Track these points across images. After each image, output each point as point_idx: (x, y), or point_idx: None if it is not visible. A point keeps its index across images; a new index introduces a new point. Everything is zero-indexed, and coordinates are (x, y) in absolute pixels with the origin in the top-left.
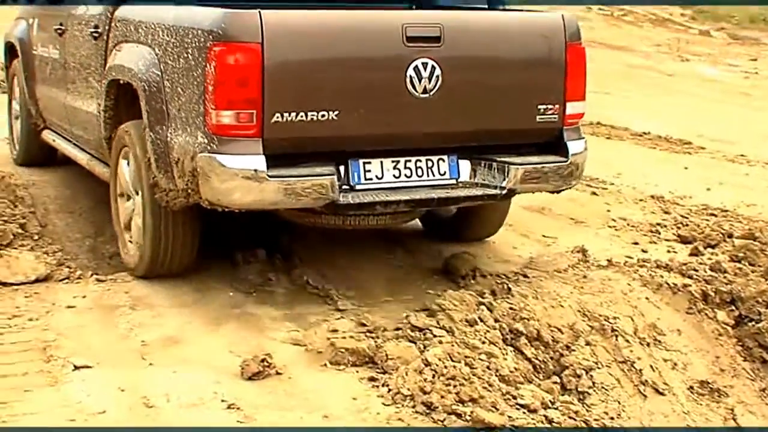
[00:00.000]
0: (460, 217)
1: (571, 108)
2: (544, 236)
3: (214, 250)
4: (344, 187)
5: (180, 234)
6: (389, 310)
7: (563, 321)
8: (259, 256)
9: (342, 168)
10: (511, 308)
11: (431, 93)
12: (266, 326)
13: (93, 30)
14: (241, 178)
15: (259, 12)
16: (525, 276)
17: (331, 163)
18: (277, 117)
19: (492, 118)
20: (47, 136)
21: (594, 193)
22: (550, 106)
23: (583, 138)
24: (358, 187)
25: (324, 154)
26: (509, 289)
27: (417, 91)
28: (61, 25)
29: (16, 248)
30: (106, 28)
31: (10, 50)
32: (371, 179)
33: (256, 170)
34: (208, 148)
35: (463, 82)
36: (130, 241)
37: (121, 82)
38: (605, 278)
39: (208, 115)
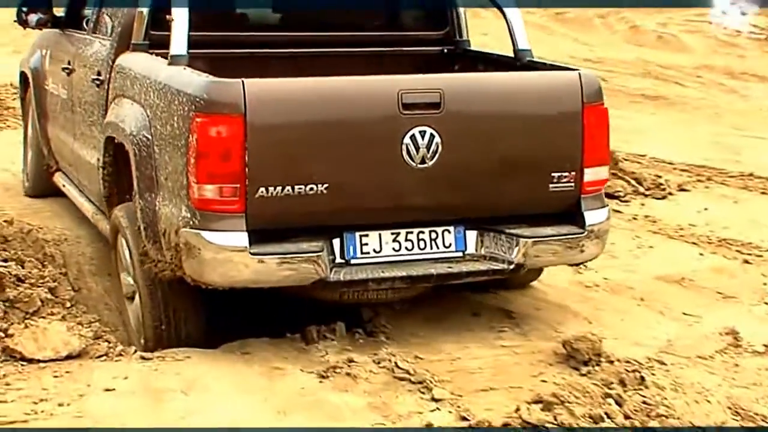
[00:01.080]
0: None
1: (591, 174)
2: (684, 314)
3: (281, 324)
4: (338, 261)
5: (181, 310)
6: (495, 401)
7: (710, 419)
8: (337, 331)
9: (337, 241)
10: (644, 402)
11: (430, 163)
12: (346, 417)
13: (96, 77)
14: (223, 255)
15: (242, 81)
16: (661, 363)
17: (320, 239)
18: (262, 191)
19: (499, 188)
20: (59, 180)
21: (747, 262)
22: (565, 174)
23: (606, 206)
24: (353, 261)
25: (315, 228)
26: (642, 378)
27: (414, 162)
28: (69, 63)
29: (44, 317)
30: (107, 76)
31: (24, 80)
32: (368, 253)
33: (238, 247)
34: (191, 222)
35: (466, 150)
36: (131, 317)
37: (116, 141)
38: (762, 368)
39: (190, 188)
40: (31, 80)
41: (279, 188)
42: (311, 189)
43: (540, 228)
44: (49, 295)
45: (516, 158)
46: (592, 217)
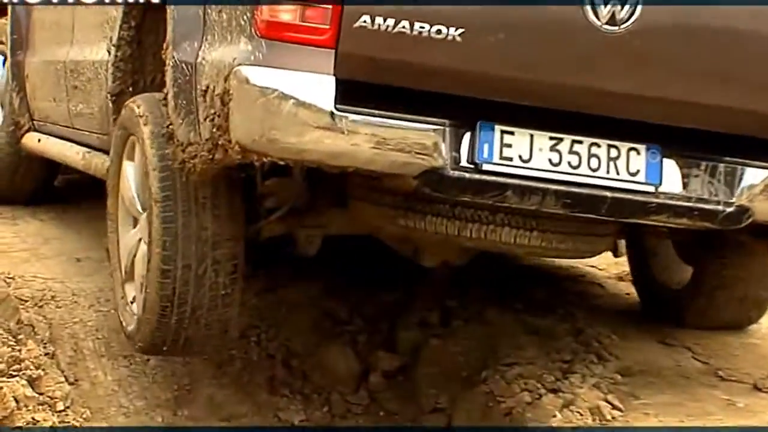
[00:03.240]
0: (698, 288)
1: None
2: None
3: None
4: (464, 164)
5: (208, 271)
6: None
7: None
8: None
9: (466, 137)
10: None
11: (623, 26)
12: None
13: None
14: (293, 107)
15: None
16: None
17: (442, 115)
18: (365, 20)
19: (726, 87)
20: (30, 140)
21: None
22: None
23: None
24: (486, 166)
25: (435, 98)
26: None
27: (599, 20)
28: None
29: (21, 427)
30: None
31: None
32: (510, 159)
33: (317, 100)
34: (251, 57)
35: (681, 14)
36: (131, 298)
37: None
38: None
39: (258, 9)
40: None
41: (390, 21)
42: (438, 32)
43: None
44: (28, 391)
45: (760, 43)
46: None
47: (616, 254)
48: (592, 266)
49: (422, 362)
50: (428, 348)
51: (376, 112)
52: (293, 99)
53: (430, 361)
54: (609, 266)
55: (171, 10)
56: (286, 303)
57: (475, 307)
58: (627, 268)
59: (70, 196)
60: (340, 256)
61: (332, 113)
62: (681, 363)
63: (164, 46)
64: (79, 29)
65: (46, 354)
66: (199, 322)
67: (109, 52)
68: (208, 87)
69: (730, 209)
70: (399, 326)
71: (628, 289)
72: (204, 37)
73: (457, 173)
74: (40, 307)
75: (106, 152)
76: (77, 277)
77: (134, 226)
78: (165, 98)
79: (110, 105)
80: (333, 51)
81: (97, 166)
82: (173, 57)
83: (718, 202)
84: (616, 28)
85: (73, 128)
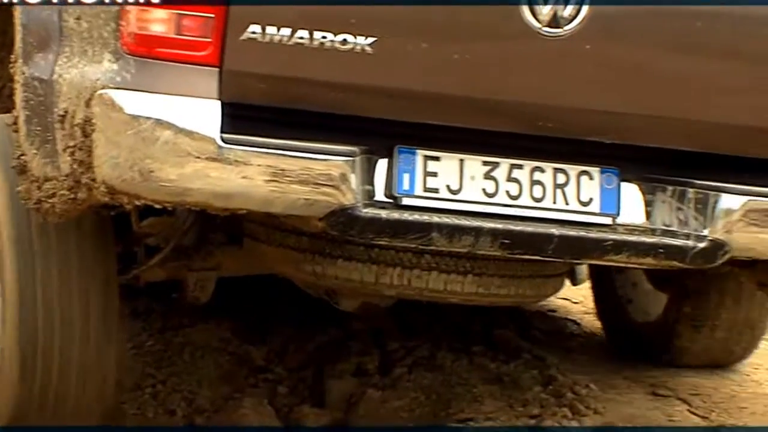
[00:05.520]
0: (674, 321)
1: None
2: None
3: None
4: (379, 198)
5: (77, 321)
6: None
7: None
8: None
9: (382, 164)
10: None
11: (567, 28)
12: None
13: None
14: (170, 138)
15: None
16: None
17: (351, 142)
18: (254, 31)
19: (691, 99)
20: None
21: None
22: None
23: None
24: (406, 201)
25: (342, 122)
26: None
27: (538, 23)
28: None
29: None
30: None
31: None
32: (436, 190)
33: (199, 128)
34: (118, 78)
35: (635, 17)
36: None
37: None
38: None
39: (123, 19)
40: None
41: (286, 31)
42: (344, 42)
43: (759, 183)
44: None
45: (730, 48)
46: None
47: (574, 282)
48: (565, 298)
49: (357, 418)
50: (364, 401)
51: (271, 140)
52: (171, 127)
53: (366, 417)
54: (586, 299)
55: (19, 14)
56: (190, 346)
57: (421, 350)
58: None
59: None
60: (255, 289)
61: (218, 142)
62: (674, 417)
63: (12, 57)
64: None
65: None
66: (70, 380)
67: None
68: (66, 112)
69: (702, 244)
70: (328, 375)
71: None
72: (61, 49)
73: (370, 212)
74: None
75: None
76: None
77: None
78: (15, 122)
79: None
80: (217, 69)
81: None
82: (23, 72)
83: (687, 236)
84: (559, 30)
85: None
